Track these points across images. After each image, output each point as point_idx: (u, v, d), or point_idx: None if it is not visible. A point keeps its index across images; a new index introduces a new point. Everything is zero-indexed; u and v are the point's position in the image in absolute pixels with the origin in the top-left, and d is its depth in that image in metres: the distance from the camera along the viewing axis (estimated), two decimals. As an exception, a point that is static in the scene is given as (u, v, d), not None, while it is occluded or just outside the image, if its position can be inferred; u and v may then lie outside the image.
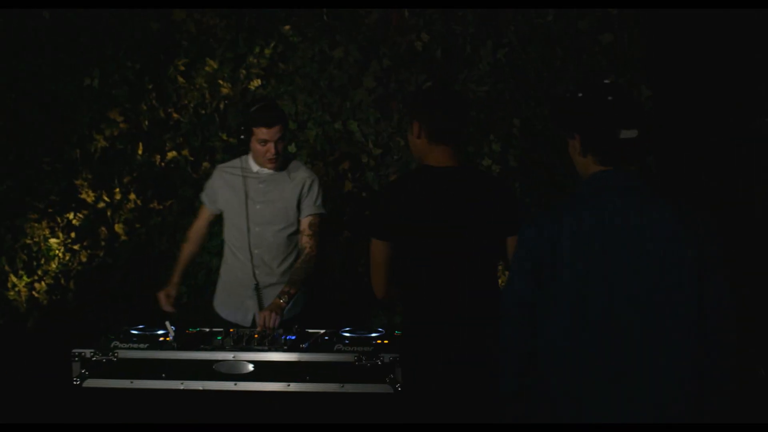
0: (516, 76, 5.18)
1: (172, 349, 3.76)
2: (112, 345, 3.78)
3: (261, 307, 4.30)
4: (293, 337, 3.89)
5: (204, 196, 4.36)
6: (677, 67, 5.16)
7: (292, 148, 5.28)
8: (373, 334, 3.89)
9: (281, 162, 4.25)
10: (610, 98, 2.58)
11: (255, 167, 4.27)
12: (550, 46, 5.14)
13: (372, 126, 5.23)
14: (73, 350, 3.74)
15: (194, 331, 4.10)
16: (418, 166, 3.50)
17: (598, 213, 2.55)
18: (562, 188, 5.13)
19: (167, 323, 3.88)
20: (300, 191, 4.26)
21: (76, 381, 3.72)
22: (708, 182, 5.19)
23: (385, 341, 3.81)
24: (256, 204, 4.26)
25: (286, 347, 3.75)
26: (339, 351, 3.71)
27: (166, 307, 4.28)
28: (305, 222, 4.27)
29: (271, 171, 4.24)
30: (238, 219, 4.27)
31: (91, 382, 3.72)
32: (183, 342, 3.83)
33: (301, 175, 4.28)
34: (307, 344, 3.80)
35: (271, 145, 4.13)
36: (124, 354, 3.72)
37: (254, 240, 4.28)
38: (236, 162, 4.31)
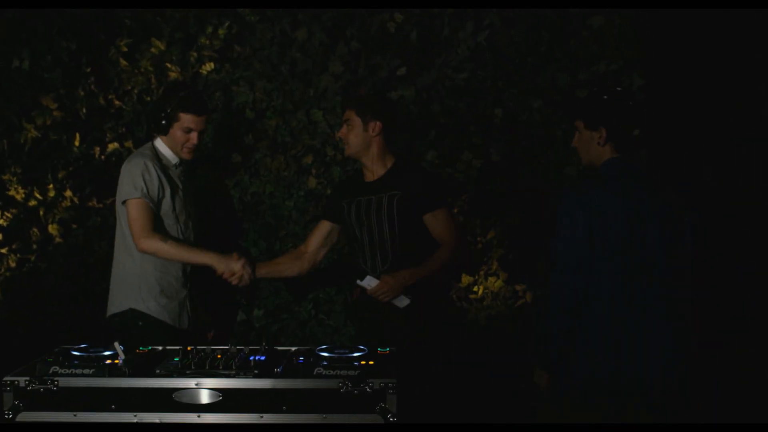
0: (498, 62, 4.76)
1: (123, 375, 3.26)
2: (50, 371, 3.25)
3: (194, 307, 4.17)
4: (262, 358, 3.40)
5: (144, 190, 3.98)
6: (672, 55, 4.79)
7: (249, 140, 4.78)
8: (356, 354, 3.42)
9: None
10: (631, 103, 3.44)
11: (173, 157, 4.14)
12: (536, 30, 4.73)
13: (338, 116, 4.77)
14: (4, 378, 3.21)
15: (145, 350, 3.60)
16: None
17: (622, 193, 3.29)
18: (548, 182, 4.73)
19: (116, 344, 3.35)
20: None
21: (8, 414, 3.23)
22: (705, 178, 4.85)
23: (371, 362, 3.33)
24: (182, 195, 4.16)
25: (257, 371, 3.25)
26: (320, 376, 3.25)
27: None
28: None
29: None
30: (171, 211, 4.10)
31: (26, 416, 3.24)
32: (135, 366, 3.30)
33: None
34: (281, 368, 3.30)
35: (194, 135, 4.07)
36: (65, 382, 3.24)
37: (187, 233, 4.18)
38: (146, 151, 4.10)
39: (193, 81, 4.84)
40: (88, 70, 4.81)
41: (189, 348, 3.53)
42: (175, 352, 3.49)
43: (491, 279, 4.80)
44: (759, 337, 4.66)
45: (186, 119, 4.03)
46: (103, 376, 3.24)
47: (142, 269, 4.05)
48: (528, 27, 4.72)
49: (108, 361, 3.33)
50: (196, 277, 4.21)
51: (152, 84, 4.84)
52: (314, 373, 3.25)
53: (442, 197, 4.14)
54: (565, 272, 3.24)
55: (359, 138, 4.11)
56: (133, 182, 3.95)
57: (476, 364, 4.57)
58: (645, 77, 4.70)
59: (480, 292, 4.81)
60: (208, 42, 4.80)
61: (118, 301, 4.08)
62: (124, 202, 3.98)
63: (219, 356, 3.40)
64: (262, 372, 3.26)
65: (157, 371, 3.27)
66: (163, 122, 4.03)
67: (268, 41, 4.81)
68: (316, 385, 3.19)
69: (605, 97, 3.40)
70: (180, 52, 4.82)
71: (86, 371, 3.26)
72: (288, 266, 4.35)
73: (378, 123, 4.08)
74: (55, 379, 3.20)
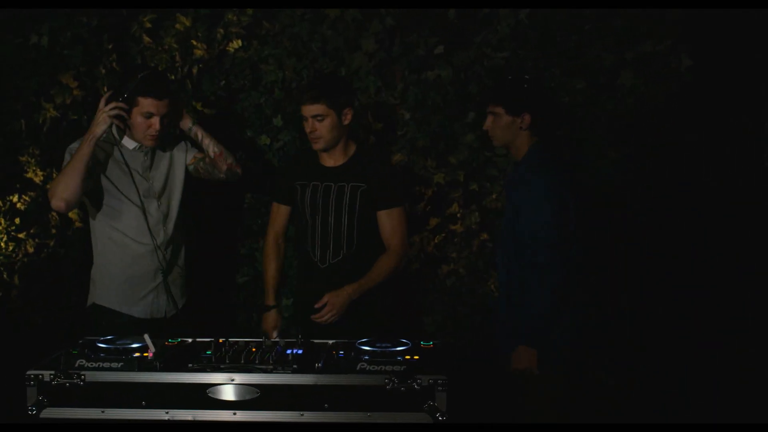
0: (540, 41, 4.53)
1: (154, 369, 3.05)
2: (76, 364, 3.05)
3: (172, 297, 3.96)
4: (300, 351, 3.20)
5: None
6: (723, 35, 4.56)
7: (278, 122, 4.58)
8: (399, 348, 3.21)
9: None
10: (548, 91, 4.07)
11: (129, 143, 3.93)
12: (580, 8, 4.48)
13: (372, 96, 4.59)
14: (27, 372, 3.01)
15: (174, 342, 3.40)
16: None
17: (565, 171, 3.77)
18: (590, 166, 4.52)
19: (146, 336, 3.15)
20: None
21: (32, 410, 3.01)
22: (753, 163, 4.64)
23: (416, 356, 3.13)
24: (145, 178, 3.96)
25: (295, 366, 3.05)
26: (364, 371, 3.04)
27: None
28: None
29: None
30: (122, 195, 3.90)
31: (50, 412, 3.04)
32: (167, 360, 3.10)
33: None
34: (322, 362, 3.10)
35: (156, 120, 3.81)
36: (92, 376, 3.04)
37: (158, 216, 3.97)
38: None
39: (220, 59, 4.63)
40: (110, 47, 4.59)
41: (220, 340, 3.34)
42: (206, 345, 3.29)
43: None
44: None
45: (145, 104, 3.78)
46: (133, 370, 3.04)
47: (109, 261, 3.87)
48: (571, 5, 4.48)
49: (137, 354, 3.14)
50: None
51: (177, 62, 4.62)
52: (357, 368, 3.06)
53: (402, 196, 3.97)
54: (556, 251, 3.57)
55: (335, 131, 3.87)
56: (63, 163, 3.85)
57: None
58: (693, 58, 4.48)
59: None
60: (235, 18, 4.58)
61: (87, 296, 3.94)
62: None
63: (254, 349, 3.22)
64: (302, 367, 3.07)
65: (190, 365, 3.07)
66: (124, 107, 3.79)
67: (298, 17, 4.59)
68: (361, 381, 3.00)
69: (525, 85, 3.74)
70: (206, 28, 4.59)
71: (114, 365, 3.06)
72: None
73: (350, 110, 3.88)
74: (82, 373, 3.01)
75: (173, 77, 4.62)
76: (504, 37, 4.50)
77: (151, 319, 3.90)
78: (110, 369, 3.04)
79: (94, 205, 3.93)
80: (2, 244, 4.61)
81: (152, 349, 3.11)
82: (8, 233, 4.62)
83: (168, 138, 4.09)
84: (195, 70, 4.64)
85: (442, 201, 4.61)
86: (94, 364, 3.06)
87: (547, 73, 4.50)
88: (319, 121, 3.81)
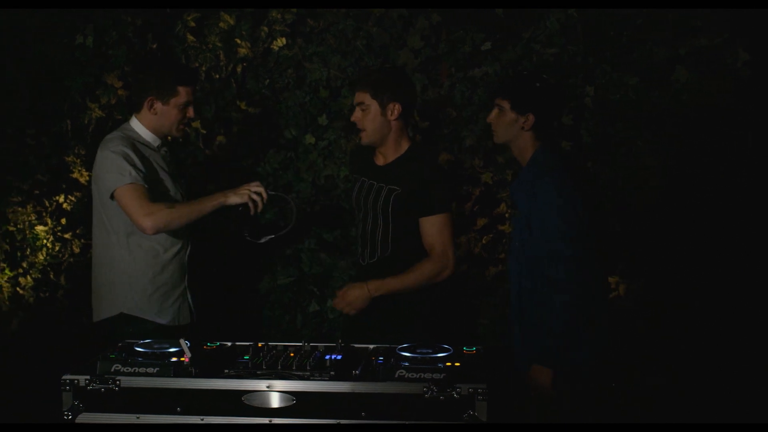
0: (590, 36, 4.41)
1: (190, 375, 3.00)
2: (112, 369, 3.01)
3: (193, 303, 3.87)
4: (339, 357, 3.12)
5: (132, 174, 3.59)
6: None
7: (323, 120, 4.51)
8: (440, 354, 3.11)
9: None
10: (558, 94, 3.64)
11: (155, 139, 3.76)
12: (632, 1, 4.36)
13: (418, 94, 4.45)
14: (63, 376, 2.97)
15: (213, 346, 3.35)
16: None
17: (572, 176, 3.49)
18: (643, 166, 4.39)
19: (182, 340, 3.10)
20: None
21: (67, 415, 2.97)
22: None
23: (457, 363, 3.03)
24: (170, 179, 3.80)
25: (333, 373, 2.97)
26: (402, 379, 2.94)
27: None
28: None
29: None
30: (166, 199, 3.71)
31: (86, 417, 2.98)
32: (203, 365, 3.05)
33: None
34: (359, 369, 3.02)
35: (191, 108, 3.72)
36: (128, 381, 2.98)
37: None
38: (121, 133, 3.74)
39: (264, 57, 4.58)
40: (154, 46, 4.60)
41: (260, 344, 3.28)
42: (245, 349, 3.23)
43: (581, 270, 4.48)
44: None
45: (184, 93, 3.67)
46: (168, 375, 2.98)
47: (136, 270, 3.71)
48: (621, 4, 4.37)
49: (174, 359, 3.09)
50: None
51: (221, 61, 4.60)
52: (395, 375, 2.96)
53: (446, 201, 3.70)
54: (572, 265, 3.34)
55: (377, 123, 3.65)
56: (118, 169, 3.57)
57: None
58: (750, 52, 4.32)
59: (569, 284, 4.48)
60: (279, 16, 4.55)
61: (108, 306, 3.77)
62: (112, 195, 3.60)
63: (292, 354, 3.15)
64: (339, 374, 2.98)
65: (226, 371, 3.01)
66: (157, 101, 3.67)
67: (343, 15, 4.54)
68: (399, 389, 2.90)
69: (537, 84, 3.48)
70: (250, 26, 4.57)
71: (150, 370, 3.01)
72: None
73: (397, 105, 3.63)
74: (117, 378, 2.97)
75: (217, 76, 4.60)
76: (553, 32, 4.41)
77: (177, 325, 3.82)
78: (145, 374, 2.98)
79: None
80: (49, 244, 4.63)
81: (188, 354, 3.06)
82: (54, 233, 4.64)
83: None
84: (239, 69, 4.61)
85: (489, 201, 4.52)
86: (130, 369, 3.01)
87: (598, 69, 4.39)
88: (362, 110, 3.67)
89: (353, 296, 3.69)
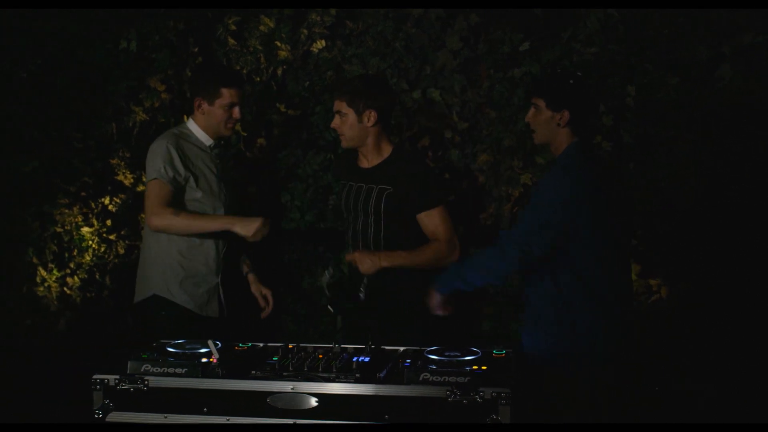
0: (631, 35, 4.35)
1: (216, 376, 3.04)
2: (142, 369, 3.06)
3: (224, 296, 4.02)
4: (367, 359, 3.12)
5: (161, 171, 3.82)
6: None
7: (361, 122, 4.53)
8: (468, 357, 3.10)
9: None
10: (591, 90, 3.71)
11: (207, 139, 3.96)
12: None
13: (457, 95, 4.51)
14: (94, 376, 3.04)
15: (245, 347, 3.38)
16: None
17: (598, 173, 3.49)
18: (686, 166, 4.31)
19: (210, 341, 3.14)
20: None
21: (98, 414, 3.03)
22: None
23: (483, 367, 3.02)
24: (215, 180, 3.99)
25: (358, 375, 2.98)
26: (426, 382, 2.94)
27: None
28: None
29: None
30: (201, 197, 3.92)
31: (116, 416, 3.05)
32: (230, 366, 3.08)
33: None
34: (384, 372, 3.02)
35: (237, 109, 3.91)
36: (155, 382, 3.03)
37: None
38: (176, 131, 3.97)
39: (304, 60, 4.61)
40: (196, 50, 4.66)
41: (290, 346, 3.30)
42: (275, 350, 3.26)
43: (622, 272, 4.41)
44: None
45: (228, 94, 3.85)
46: (196, 376, 3.03)
47: (167, 254, 3.90)
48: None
49: (203, 360, 3.13)
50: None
51: (262, 64, 4.63)
52: (420, 378, 2.96)
53: (439, 195, 3.80)
54: (548, 245, 3.35)
55: (355, 130, 3.76)
56: (154, 164, 3.81)
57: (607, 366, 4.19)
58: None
59: (609, 286, 4.41)
60: (318, 18, 4.57)
61: (143, 287, 3.97)
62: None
63: (320, 356, 3.16)
64: (364, 376, 2.99)
65: (253, 372, 3.04)
66: (201, 105, 3.88)
67: (382, 16, 4.54)
68: (421, 393, 2.90)
69: (570, 81, 3.50)
70: (290, 29, 4.60)
71: (178, 370, 3.06)
72: None
73: (373, 112, 3.72)
74: (146, 378, 3.02)
75: (258, 79, 4.64)
76: (593, 31, 4.34)
77: (205, 316, 3.96)
78: (173, 375, 3.03)
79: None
80: (95, 245, 4.71)
81: (216, 355, 3.10)
82: (100, 235, 4.72)
83: None
84: (279, 72, 4.65)
85: (529, 202, 4.47)
86: (159, 369, 3.06)
87: (639, 68, 4.32)
88: (341, 117, 3.76)
89: (363, 256, 3.74)
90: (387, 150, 3.83)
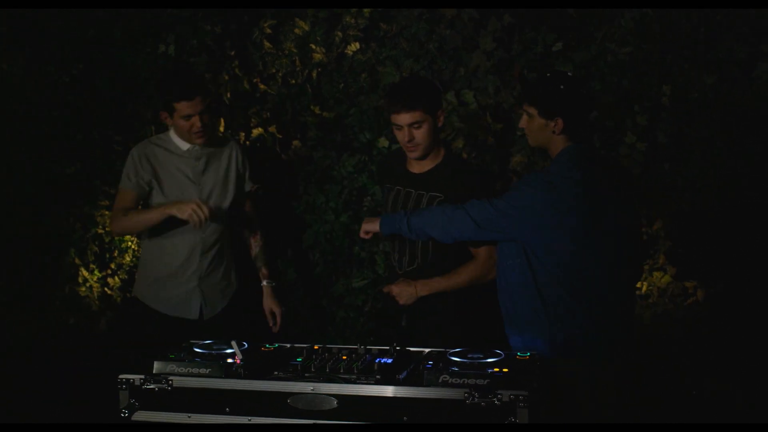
0: (666, 34, 4.30)
1: (239, 376, 3.07)
2: (167, 369, 3.10)
3: (206, 299, 4.14)
4: (389, 361, 3.13)
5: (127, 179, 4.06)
6: None
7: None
8: (490, 359, 3.09)
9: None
10: (584, 91, 3.43)
11: (184, 144, 4.09)
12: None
13: (491, 96, 4.49)
14: (120, 376, 3.10)
15: (271, 347, 3.41)
16: None
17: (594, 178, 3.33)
18: (721, 167, 4.25)
19: (234, 342, 3.18)
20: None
21: (124, 413, 3.09)
22: None
23: (505, 369, 3.00)
24: (194, 183, 4.10)
25: (378, 377, 2.99)
26: (445, 384, 2.94)
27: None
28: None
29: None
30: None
31: (141, 415, 3.10)
32: (254, 367, 3.12)
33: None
34: (404, 374, 3.03)
35: (196, 119, 3.93)
36: (179, 382, 3.07)
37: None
38: (154, 140, 4.19)
39: (338, 62, 4.63)
40: (232, 53, 4.70)
41: (316, 347, 3.33)
42: (300, 351, 3.29)
43: (657, 274, 4.35)
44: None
45: (181, 108, 3.91)
46: (219, 377, 3.07)
47: (143, 257, 4.18)
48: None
49: (229, 360, 3.17)
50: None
51: (297, 66, 4.67)
52: (439, 380, 2.96)
53: None
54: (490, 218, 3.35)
55: (434, 136, 3.67)
56: (124, 171, 4.05)
57: (639, 369, 4.15)
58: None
59: (644, 288, 4.36)
60: (353, 21, 4.60)
61: (133, 289, 4.29)
62: None
63: (344, 358, 3.18)
64: (384, 378, 3.00)
65: (275, 373, 3.07)
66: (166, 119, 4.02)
67: (415, 18, 4.55)
68: (440, 395, 2.89)
69: (561, 87, 3.32)
70: (324, 32, 4.63)
71: (202, 371, 3.10)
72: None
73: (442, 112, 3.68)
74: (170, 378, 3.07)
75: (293, 81, 4.67)
76: (628, 31, 4.31)
77: (182, 318, 4.11)
78: (197, 375, 3.08)
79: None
80: (134, 246, 4.79)
81: (239, 355, 3.14)
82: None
83: (215, 137, 4.23)
84: (314, 74, 4.68)
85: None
86: (183, 370, 3.11)
87: (675, 67, 4.27)
88: (416, 129, 3.62)
89: (401, 289, 3.73)
90: (440, 154, 3.74)
